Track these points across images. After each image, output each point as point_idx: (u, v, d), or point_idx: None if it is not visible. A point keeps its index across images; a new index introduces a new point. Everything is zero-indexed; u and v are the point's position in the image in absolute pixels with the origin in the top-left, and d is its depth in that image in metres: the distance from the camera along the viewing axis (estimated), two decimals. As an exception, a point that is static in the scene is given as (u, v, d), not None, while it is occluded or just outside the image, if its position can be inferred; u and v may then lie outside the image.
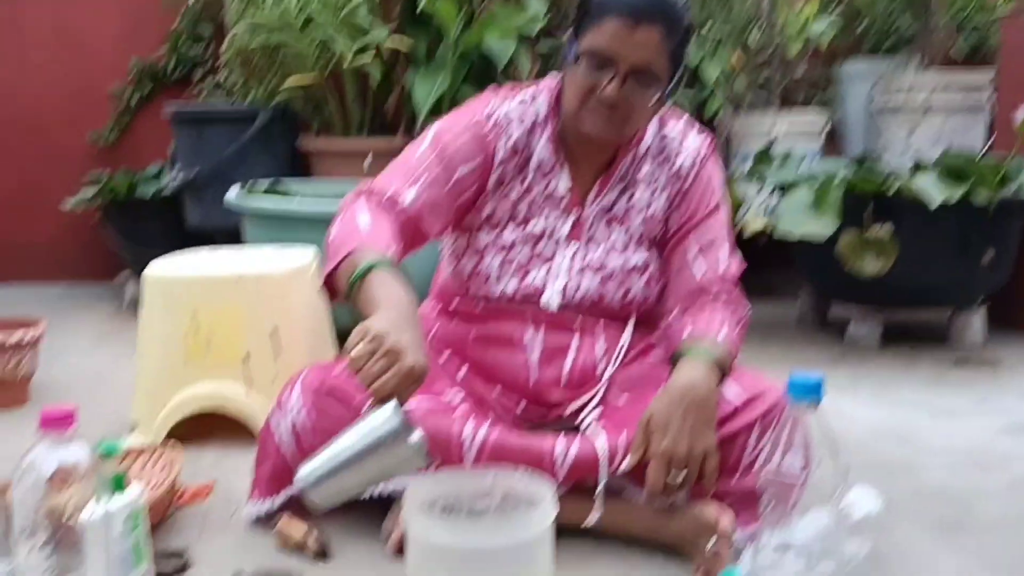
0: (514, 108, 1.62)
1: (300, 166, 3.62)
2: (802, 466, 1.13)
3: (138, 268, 2.09)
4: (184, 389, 1.97)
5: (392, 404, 1.20)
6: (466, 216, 1.62)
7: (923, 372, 2.68)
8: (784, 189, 2.85)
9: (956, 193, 2.62)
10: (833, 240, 2.70)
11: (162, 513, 1.59)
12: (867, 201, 2.70)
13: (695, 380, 1.44)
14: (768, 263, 3.07)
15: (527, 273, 1.60)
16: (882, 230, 2.67)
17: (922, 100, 3.42)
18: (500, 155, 1.59)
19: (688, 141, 1.65)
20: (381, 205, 1.49)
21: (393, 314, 1.26)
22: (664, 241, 1.65)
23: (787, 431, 1.13)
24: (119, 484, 1.33)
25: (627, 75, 1.47)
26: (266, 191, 2.96)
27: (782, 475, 1.13)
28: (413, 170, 1.54)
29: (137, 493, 1.37)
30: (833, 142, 3.80)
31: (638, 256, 1.63)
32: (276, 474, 1.56)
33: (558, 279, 1.60)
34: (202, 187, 3.37)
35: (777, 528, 1.14)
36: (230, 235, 3.15)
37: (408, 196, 1.51)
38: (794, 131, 3.50)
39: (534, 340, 1.61)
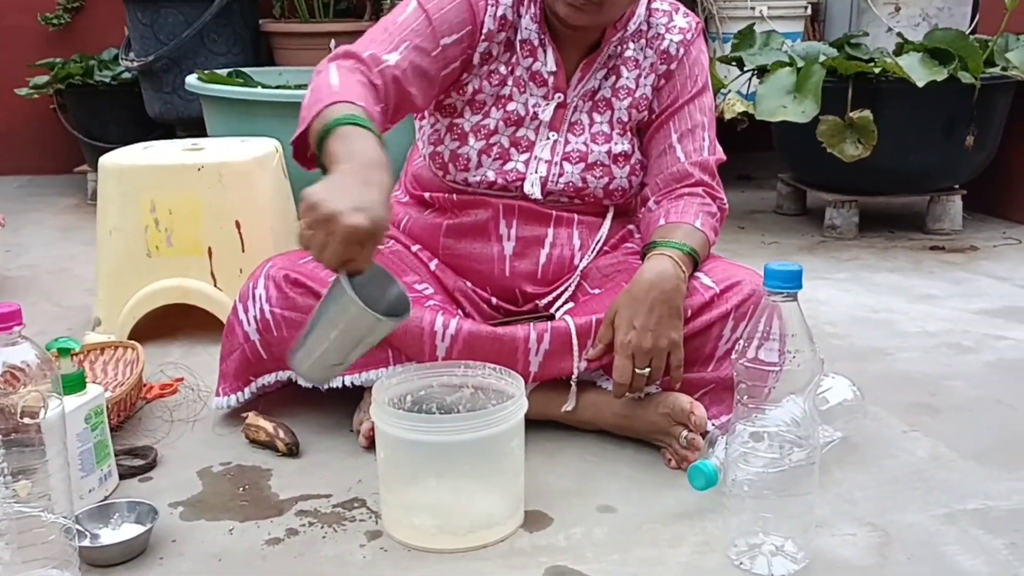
0: None
1: (262, 52, 3.47)
2: (777, 356, 1.11)
3: (99, 158, 2.01)
4: (147, 285, 1.92)
5: (342, 276, 1.10)
6: (451, 93, 1.54)
7: (900, 258, 2.67)
8: (764, 72, 2.77)
9: (942, 72, 2.56)
10: (813, 124, 2.64)
11: (127, 411, 1.56)
12: (849, 84, 2.63)
13: (662, 273, 1.41)
14: (746, 148, 3.01)
15: (507, 160, 1.54)
16: (864, 113, 2.61)
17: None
18: (488, 26, 1.49)
19: (675, 22, 1.58)
20: (358, 65, 1.38)
21: (337, 176, 1.15)
22: (647, 125, 1.60)
23: (763, 321, 1.11)
24: (76, 383, 1.30)
25: None
26: (224, 81, 2.83)
27: (757, 365, 1.11)
28: (394, 36, 1.42)
29: (98, 391, 1.34)
30: (815, 25, 3.71)
31: (622, 144, 1.57)
32: (242, 368, 1.54)
33: (539, 166, 1.54)
34: (160, 73, 3.23)
35: (751, 418, 1.13)
36: (192, 124, 3.05)
37: (391, 58, 1.40)
38: (776, 13, 3.42)
39: (509, 231, 1.56)
